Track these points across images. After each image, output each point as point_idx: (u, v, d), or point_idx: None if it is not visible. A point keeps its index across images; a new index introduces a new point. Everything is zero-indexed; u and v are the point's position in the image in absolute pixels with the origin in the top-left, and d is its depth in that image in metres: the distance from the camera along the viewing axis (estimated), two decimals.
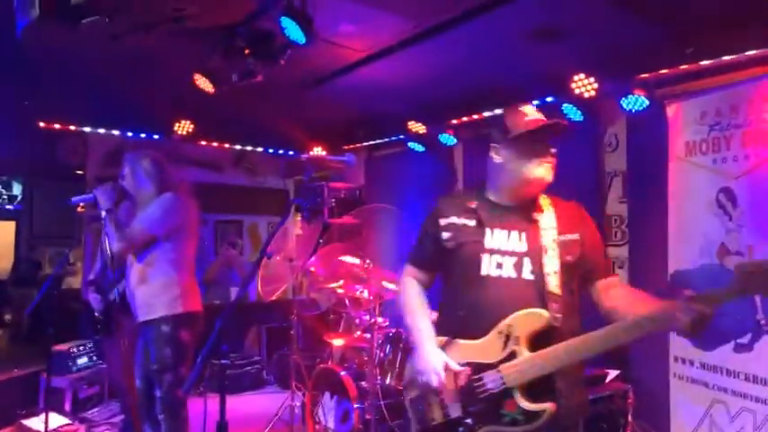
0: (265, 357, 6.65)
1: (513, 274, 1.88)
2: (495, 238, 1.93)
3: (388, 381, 3.90)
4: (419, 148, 5.83)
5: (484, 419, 1.81)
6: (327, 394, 4.14)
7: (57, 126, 5.94)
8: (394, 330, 4.10)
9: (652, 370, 4.05)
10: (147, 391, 3.36)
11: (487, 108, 5.17)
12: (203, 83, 4.09)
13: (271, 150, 7.53)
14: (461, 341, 1.91)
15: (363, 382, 3.92)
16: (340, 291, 4.41)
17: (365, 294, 4.14)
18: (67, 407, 4.98)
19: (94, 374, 5.35)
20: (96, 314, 3.87)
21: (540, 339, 1.79)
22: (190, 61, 3.96)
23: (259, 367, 6.37)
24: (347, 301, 4.44)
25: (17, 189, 10.95)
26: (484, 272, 1.90)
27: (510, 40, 3.90)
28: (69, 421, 4.83)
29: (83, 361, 5.26)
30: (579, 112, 4.39)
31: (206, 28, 1.92)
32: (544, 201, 1.99)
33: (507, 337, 1.81)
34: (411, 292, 2.11)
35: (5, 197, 10.86)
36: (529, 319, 1.81)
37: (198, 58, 3.91)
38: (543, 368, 1.75)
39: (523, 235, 1.92)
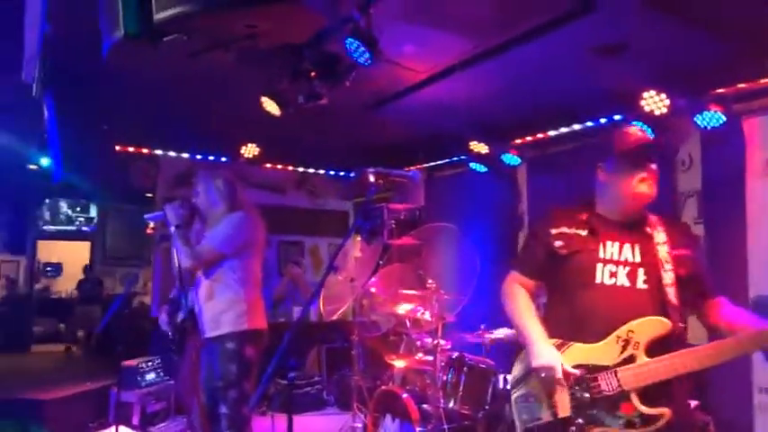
0: (326, 378, 6.65)
1: (627, 284, 1.96)
2: (608, 248, 2.01)
3: (451, 404, 3.81)
4: (481, 168, 5.76)
5: (596, 420, 1.86)
6: (389, 417, 4.08)
7: (131, 149, 6.23)
8: (457, 353, 4.02)
9: (733, 401, 3.80)
10: (212, 408, 3.39)
11: (552, 127, 5.08)
12: (270, 106, 4.19)
13: (332, 172, 7.64)
14: (575, 344, 1.97)
15: (426, 405, 3.84)
16: (401, 312, 4.37)
17: (426, 316, 4.08)
18: (136, 421, 5.11)
19: (162, 390, 5.48)
20: (169, 334, 3.96)
21: (657, 347, 1.86)
22: (256, 85, 4.09)
23: (320, 387, 6.38)
24: (408, 323, 4.39)
25: (93, 211, 11.52)
26: (598, 280, 1.98)
27: (576, 57, 3.83)
28: None
29: (151, 377, 5.40)
30: (649, 129, 4.23)
31: (275, 49, 1.99)
32: (653, 218, 2.07)
33: (626, 342, 1.87)
34: (520, 296, 2.15)
35: (82, 219, 11.43)
36: (651, 326, 1.88)
37: (265, 82, 4.03)
38: (659, 374, 1.82)
39: (636, 247, 2.00)
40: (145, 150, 6.35)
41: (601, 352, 1.91)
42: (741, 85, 3.80)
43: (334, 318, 4.93)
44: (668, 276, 1.93)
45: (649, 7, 3.14)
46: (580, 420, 1.88)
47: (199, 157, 6.64)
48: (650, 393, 1.84)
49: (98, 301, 10.55)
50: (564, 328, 2.02)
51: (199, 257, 3.26)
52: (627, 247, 2.00)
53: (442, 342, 4.10)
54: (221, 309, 3.29)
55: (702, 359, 1.81)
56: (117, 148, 6.08)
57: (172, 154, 6.55)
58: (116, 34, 1.50)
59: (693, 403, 3.56)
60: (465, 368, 3.87)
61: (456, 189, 6.38)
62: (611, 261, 1.99)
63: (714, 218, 4.16)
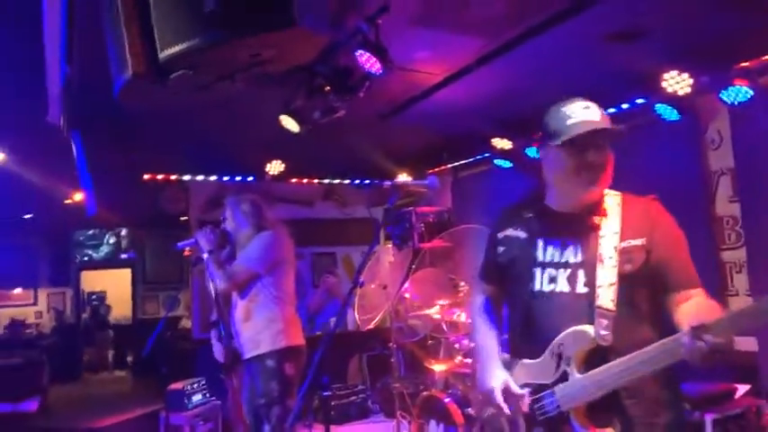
0: (369, 386, 6.67)
1: (567, 288, 1.75)
2: (549, 249, 1.81)
3: None
4: (506, 164, 5.72)
5: None
6: (433, 422, 4.07)
7: (159, 177, 6.37)
8: None
9: None
10: (256, 426, 3.44)
11: None
12: (289, 123, 4.23)
13: (357, 182, 7.67)
14: (522, 360, 1.82)
15: (469, 409, 3.82)
16: (436, 315, 4.36)
17: (462, 318, 4.06)
18: None
19: (209, 411, 5.57)
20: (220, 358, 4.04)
21: (592, 359, 1.66)
22: (275, 104, 4.14)
23: (364, 396, 6.39)
24: (444, 326, 4.38)
25: (131, 239, 11.80)
26: (536, 287, 1.80)
27: (593, 44, 3.77)
28: None
29: (197, 398, 5.49)
30: (675, 110, 4.14)
31: (285, 71, 2.01)
32: (612, 201, 1.80)
33: (559, 357, 1.70)
34: (475, 309, 2.07)
35: (121, 247, 11.72)
36: (575, 337, 1.68)
37: (282, 101, 4.08)
38: (597, 390, 1.62)
39: (579, 245, 1.77)
40: (173, 177, 6.49)
41: (541, 369, 1.75)
42: (766, 57, 3.67)
43: (371, 326, 4.94)
44: (606, 275, 1.67)
45: None
46: None
47: (226, 178, 6.75)
48: (597, 411, 1.64)
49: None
50: (514, 341, 1.90)
51: (233, 278, 3.33)
52: (570, 245, 1.78)
53: None
54: (259, 328, 3.34)
55: (633, 370, 1.56)
56: (146, 177, 6.22)
57: (200, 178, 6.68)
58: (125, 74, 1.54)
59: (744, 388, 3.46)
60: None
61: (483, 187, 6.34)
62: (550, 264, 1.79)
63: (750, 195, 4.03)
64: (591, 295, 1.69)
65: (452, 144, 6.14)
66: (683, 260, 1.73)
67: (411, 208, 6.30)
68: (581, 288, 1.73)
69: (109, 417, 5.35)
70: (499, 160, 5.73)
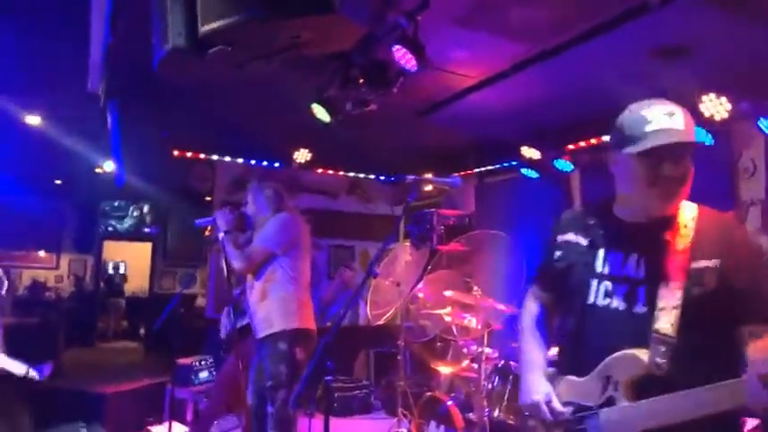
0: (373, 382, 6.68)
1: (623, 306, 1.59)
2: (609, 261, 1.65)
3: (496, 413, 3.77)
4: (533, 174, 5.68)
5: None
6: (434, 423, 4.07)
7: (188, 154, 6.46)
8: (503, 362, 3.97)
9: None
10: (259, 408, 3.48)
11: (607, 132, 4.93)
12: (320, 112, 4.27)
13: (382, 178, 7.69)
14: (567, 377, 1.70)
15: (471, 414, 3.81)
16: (447, 318, 4.35)
17: (473, 323, 4.05)
18: (189, 417, 5.28)
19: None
20: (222, 334, 4.11)
21: (643, 387, 1.49)
22: (308, 92, 4.18)
23: (367, 392, 6.41)
24: (455, 329, 4.37)
25: (155, 213, 11.98)
26: (590, 299, 1.65)
27: (632, 60, 3.74)
28: (190, 430, 5.13)
29: (204, 375, 5.56)
30: (710, 135, 4.07)
31: (322, 57, 2.04)
32: (687, 214, 1.62)
33: (607, 380, 1.56)
34: (526, 317, 1.93)
35: (145, 221, 11.91)
36: (627, 361, 1.53)
37: (315, 89, 4.12)
38: (644, 422, 1.45)
39: (644, 259, 1.60)
40: (202, 156, 6.58)
41: (586, 389, 1.61)
42: None
43: (381, 322, 4.96)
44: (671, 297, 1.50)
45: (712, 5, 3.02)
46: None
47: (253, 162, 6.82)
48: None
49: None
50: (562, 355, 1.78)
51: (249, 258, 3.38)
52: (632, 258, 1.61)
53: (488, 350, 4.06)
54: (273, 307, 3.39)
55: (687, 410, 1.40)
56: (175, 153, 6.32)
57: (227, 159, 6.76)
58: (165, 47, 1.57)
59: (753, 422, 3.39)
60: (510, 377, 3.82)
61: (507, 195, 6.31)
62: (608, 277, 1.63)
63: None
64: (649, 317, 1.53)
65: (480, 149, 6.13)
66: (763, 290, 1.51)
67: (433, 209, 6.29)
68: (639, 307, 1.57)
69: (117, 384, 5.43)
70: (526, 170, 5.69)
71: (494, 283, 4.51)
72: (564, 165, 5.31)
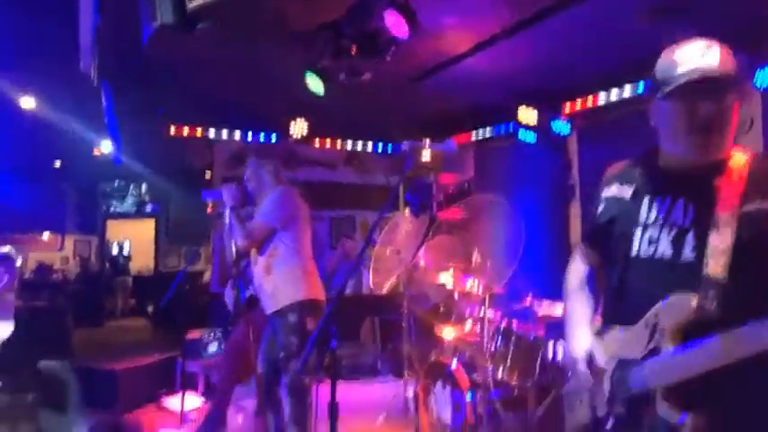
0: (380, 348, 6.81)
1: (669, 253, 1.53)
2: (654, 209, 1.59)
3: (500, 374, 3.85)
4: (530, 137, 5.67)
5: (625, 424, 1.56)
6: (440, 384, 4.16)
7: (185, 132, 6.45)
8: (505, 324, 4.04)
9: None
10: (271, 377, 3.56)
11: (605, 92, 4.93)
12: (314, 84, 4.25)
13: (380, 148, 7.69)
14: (613, 331, 1.66)
15: (475, 374, 3.89)
16: (449, 284, 4.41)
17: (474, 287, 4.11)
18: (201, 389, 5.40)
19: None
20: (229, 308, 4.18)
21: (691, 333, 1.44)
22: (301, 64, 4.15)
23: (374, 357, 6.54)
24: (457, 294, 4.43)
25: (156, 191, 12.00)
26: (634, 250, 1.60)
27: (626, 19, 3.70)
28: (203, 402, 5.25)
29: (213, 348, 5.67)
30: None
31: (311, 29, 2.02)
32: (739, 159, 1.53)
33: (654, 329, 1.51)
34: (572, 276, 1.90)
35: (146, 199, 11.95)
36: (674, 307, 1.47)
37: (308, 61, 4.09)
38: (689, 368, 1.41)
39: (691, 204, 1.54)
40: (199, 132, 6.57)
41: (631, 341, 1.57)
42: None
43: (384, 290, 5.02)
44: (720, 240, 1.44)
45: None
46: (609, 425, 1.60)
47: (250, 136, 6.82)
48: (681, 394, 1.44)
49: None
50: (607, 310, 1.75)
51: (251, 235, 3.42)
52: (679, 204, 1.55)
53: (490, 312, 4.13)
54: (280, 281, 3.44)
55: (730, 349, 1.34)
56: (172, 131, 6.31)
57: (224, 134, 6.75)
58: (153, 24, 1.58)
59: None
60: (513, 338, 3.89)
61: (506, 159, 6.32)
62: (653, 225, 1.57)
63: None
64: (698, 262, 1.47)
65: (477, 114, 6.11)
66: None
67: (431, 176, 6.30)
68: (687, 253, 1.51)
69: (128, 360, 5.54)
70: (524, 133, 5.68)
71: (493, 248, 4.55)
72: (561, 127, 5.29)
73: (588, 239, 1.89)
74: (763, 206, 1.45)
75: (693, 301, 1.44)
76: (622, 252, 1.63)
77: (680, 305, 1.47)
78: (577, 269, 1.91)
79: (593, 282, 1.87)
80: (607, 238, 1.71)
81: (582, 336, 1.73)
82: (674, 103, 1.51)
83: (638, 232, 1.60)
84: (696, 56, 1.48)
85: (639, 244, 1.59)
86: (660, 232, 1.56)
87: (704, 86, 1.46)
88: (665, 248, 1.54)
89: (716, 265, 1.44)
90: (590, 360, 1.65)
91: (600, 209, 1.75)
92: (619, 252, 1.65)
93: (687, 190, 1.55)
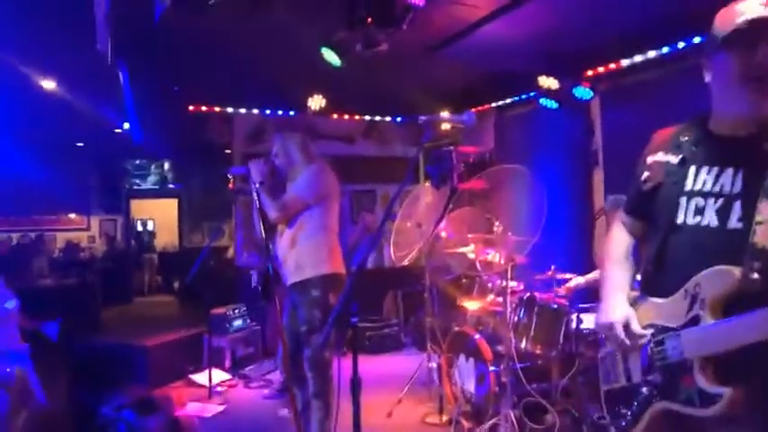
0: (402, 321, 6.85)
1: (716, 222, 1.49)
2: (701, 177, 1.55)
3: (523, 345, 3.84)
4: (552, 104, 5.54)
5: (661, 392, 1.56)
6: (463, 357, 4.17)
7: (203, 108, 6.45)
8: (528, 294, 4.01)
9: None
10: (294, 352, 3.59)
11: (627, 55, 4.78)
12: (330, 56, 4.19)
13: (399, 119, 7.61)
14: (651, 299, 1.64)
15: (498, 346, 3.89)
16: (471, 255, 4.38)
17: (496, 258, 4.08)
18: (227, 364, 5.50)
19: (250, 335, 5.85)
20: (256, 284, 4.20)
21: (732, 305, 1.41)
22: (318, 37, 4.09)
23: (397, 330, 6.58)
24: (479, 265, 4.41)
25: (178, 169, 12.11)
26: (680, 219, 1.56)
27: None
28: (229, 377, 5.35)
29: (238, 323, 5.75)
30: None
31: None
32: None
33: (693, 299, 1.48)
34: (612, 241, 1.85)
35: (169, 177, 12.06)
36: (717, 277, 1.43)
37: (324, 33, 4.04)
38: (729, 341, 1.38)
39: (740, 173, 1.48)
40: (217, 109, 6.57)
41: (670, 309, 1.55)
42: None
43: (406, 263, 5.02)
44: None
45: None
46: (645, 390, 1.60)
47: (268, 111, 6.80)
48: (719, 366, 1.41)
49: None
50: (646, 277, 1.70)
51: (285, 208, 3.43)
52: (728, 173, 1.50)
53: (513, 283, 4.10)
54: (304, 254, 3.45)
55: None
56: (190, 108, 6.31)
57: (243, 111, 6.74)
58: (165, 2, 1.55)
59: None
60: (536, 308, 3.87)
61: (526, 128, 6.20)
62: (699, 193, 1.53)
63: None
64: (745, 232, 1.42)
65: (497, 82, 5.98)
66: None
67: (451, 148, 6.23)
68: (734, 223, 1.46)
69: (158, 336, 5.65)
70: (545, 100, 5.56)
71: (515, 218, 4.50)
72: (583, 92, 5.16)
73: (630, 209, 1.83)
74: None
75: (737, 272, 1.40)
76: (666, 220, 1.59)
77: (723, 276, 1.43)
78: (621, 239, 1.85)
79: (632, 250, 1.83)
80: (650, 205, 1.68)
81: (620, 301, 1.69)
82: (731, 50, 1.46)
83: (684, 201, 1.56)
84: (757, 6, 1.44)
85: (685, 213, 1.55)
86: (706, 201, 1.52)
87: (765, 31, 1.41)
88: (710, 218, 1.50)
89: (764, 236, 1.39)
90: (627, 325, 1.63)
91: (644, 175, 1.69)
92: (662, 219, 1.61)
93: (737, 157, 1.50)
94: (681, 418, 1.50)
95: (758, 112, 1.47)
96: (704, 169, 1.55)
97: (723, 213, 1.48)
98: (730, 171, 1.50)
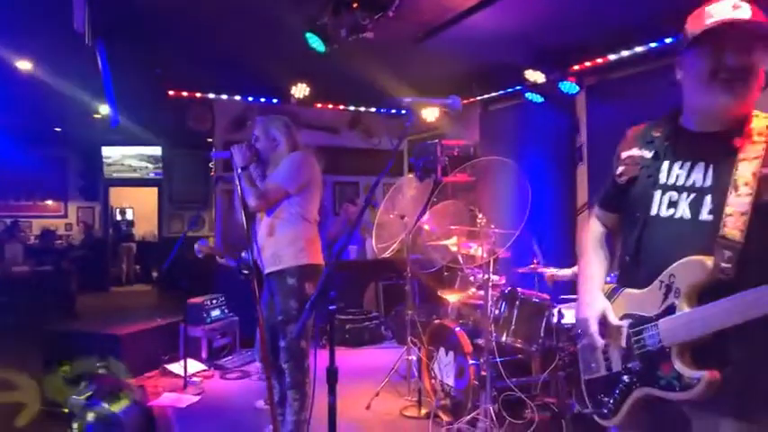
0: (383, 313, 6.81)
1: (688, 215, 1.56)
2: (674, 171, 1.62)
3: (503, 338, 3.81)
4: (537, 98, 5.54)
5: (641, 379, 1.61)
6: (443, 350, 4.13)
7: (184, 94, 6.32)
8: (509, 288, 3.98)
9: None
10: (271, 342, 3.52)
11: (613, 50, 4.77)
12: (315, 42, 4.12)
13: (383, 111, 7.55)
14: (627, 290, 1.70)
15: (479, 339, 3.86)
16: (453, 248, 4.34)
17: (478, 251, 4.04)
18: (204, 354, 5.40)
19: (227, 325, 5.75)
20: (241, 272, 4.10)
21: (706, 294, 1.49)
22: (302, 22, 4.01)
23: (378, 322, 6.54)
24: (461, 258, 4.37)
25: (160, 157, 11.90)
26: (653, 211, 1.63)
27: None
28: (205, 367, 5.26)
29: (216, 313, 5.66)
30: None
31: None
32: (761, 123, 1.55)
33: (668, 289, 1.55)
34: (587, 234, 1.90)
35: (150, 165, 11.85)
36: (689, 268, 1.50)
37: (309, 18, 3.96)
38: (703, 327, 1.46)
39: (711, 167, 1.56)
40: (198, 95, 6.44)
41: (645, 300, 1.62)
42: None
43: (387, 255, 4.96)
44: (739, 203, 1.47)
45: None
46: (626, 378, 1.65)
47: (251, 99, 6.69)
48: (696, 351, 1.50)
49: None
50: (622, 269, 1.75)
51: (265, 196, 3.34)
52: (699, 167, 1.57)
53: (494, 277, 4.07)
54: (282, 245, 3.37)
55: (745, 310, 1.39)
56: (170, 93, 6.18)
57: (224, 97, 6.63)
58: None
59: None
60: (517, 302, 3.84)
61: (512, 121, 6.18)
62: (672, 187, 1.61)
63: None
64: (716, 224, 1.50)
65: (483, 75, 5.95)
66: None
67: (437, 140, 6.19)
68: (705, 215, 1.54)
69: (132, 325, 5.54)
70: (531, 94, 5.54)
71: (499, 211, 4.47)
72: (569, 87, 5.15)
73: (604, 202, 1.88)
74: None
75: (709, 262, 1.47)
76: (641, 213, 1.65)
77: (696, 266, 1.50)
78: (594, 230, 1.91)
79: (607, 242, 1.88)
80: (625, 199, 1.73)
81: (596, 295, 1.74)
82: (701, 49, 1.52)
83: (658, 194, 1.63)
84: (727, 9, 1.50)
85: (659, 206, 1.62)
86: (680, 195, 1.59)
87: (733, 33, 1.47)
88: (683, 210, 1.58)
89: (733, 227, 1.46)
90: (603, 319, 1.68)
91: (619, 170, 1.75)
92: (637, 213, 1.66)
93: (707, 151, 1.57)
94: (661, 403, 1.57)
95: (726, 109, 1.54)
96: (677, 164, 1.62)
97: (695, 206, 1.56)
98: (702, 166, 1.58)
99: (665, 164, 1.64)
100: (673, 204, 1.60)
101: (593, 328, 1.68)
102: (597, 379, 1.76)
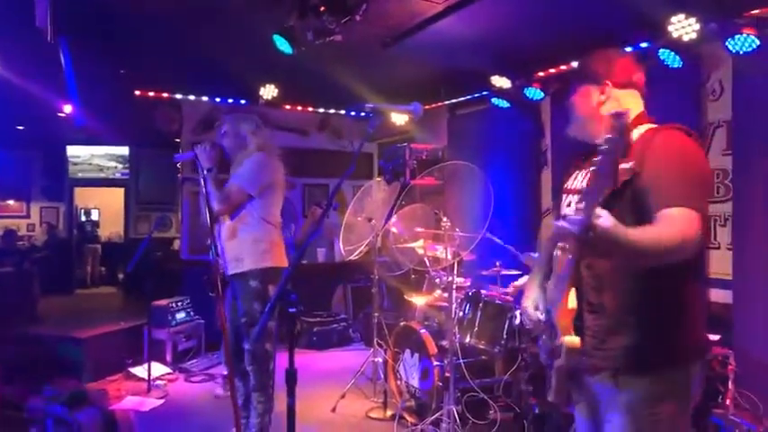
0: (351, 315, 6.82)
1: (572, 211, 1.78)
2: (574, 178, 1.97)
3: (467, 339, 3.87)
4: (503, 104, 5.62)
5: (549, 355, 1.85)
6: (408, 352, 4.17)
7: (151, 94, 6.24)
8: (473, 290, 4.04)
9: (760, 337, 3.75)
10: (235, 344, 3.51)
11: (577, 57, 4.85)
12: (282, 44, 4.12)
13: (353, 113, 7.56)
14: (548, 283, 1.94)
15: (443, 341, 3.90)
16: (420, 251, 4.39)
17: (444, 254, 4.09)
18: (168, 358, 5.34)
19: (192, 329, 5.70)
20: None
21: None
22: (272, 25, 4.00)
23: (345, 325, 6.55)
24: (427, 261, 4.42)
25: (126, 157, 11.70)
26: (563, 211, 1.95)
27: None
28: (170, 370, 5.20)
29: (181, 316, 5.60)
30: (678, 57, 4.04)
31: None
32: (636, 133, 1.80)
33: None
34: (544, 230, 2.19)
35: (116, 165, 11.65)
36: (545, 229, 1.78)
37: (277, 21, 3.95)
38: (556, 287, 1.78)
39: (590, 172, 1.71)
40: (165, 95, 6.36)
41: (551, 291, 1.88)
42: None
43: (355, 257, 4.98)
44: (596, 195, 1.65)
45: None
46: (547, 358, 1.87)
47: (218, 99, 6.64)
48: (568, 320, 1.76)
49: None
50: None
51: (228, 200, 3.32)
52: (584, 172, 1.89)
53: (459, 279, 4.12)
54: (244, 247, 3.36)
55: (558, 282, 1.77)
56: (137, 92, 6.10)
57: (192, 98, 6.56)
58: None
59: (714, 337, 3.53)
60: (481, 304, 3.90)
61: (479, 126, 6.25)
62: (572, 191, 1.94)
63: (743, 149, 3.98)
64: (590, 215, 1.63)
65: (450, 80, 6.01)
66: (665, 182, 1.65)
67: (405, 144, 6.23)
68: (573, 211, 1.76)
69: (96, 328, 5.45)
70: (497, 99, 5.62)
71: (465, 214, 4.53)
72: (534, 93, 5.24)
73: (556, 205, 2.11)
74: (625, 166, 1.67)
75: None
76: (555, 214, 2.01)
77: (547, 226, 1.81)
78: (549, 227, 2.09)
79: None
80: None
81: (529, 287, 2.01)
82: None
83: (564, 197, 1.97)
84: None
85: (565, 206, 1.95)
86: (573, 197, 1.90)
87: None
88: (572, 209, 1.84)
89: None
90: (534, 308, 1.93)
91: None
92: (555, 215, 2.02)
93: (588, 161, 1.81)
94: (569, 373, 1.79)
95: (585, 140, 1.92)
96: (577, 172, 1.96)
97: (574, 204, 1.84)
98: (584, 172, 1.90)
99: (576, 173, 1.97)
100: (569, 204, 1.92)
101: (530, 311, 1.93)
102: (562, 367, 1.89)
